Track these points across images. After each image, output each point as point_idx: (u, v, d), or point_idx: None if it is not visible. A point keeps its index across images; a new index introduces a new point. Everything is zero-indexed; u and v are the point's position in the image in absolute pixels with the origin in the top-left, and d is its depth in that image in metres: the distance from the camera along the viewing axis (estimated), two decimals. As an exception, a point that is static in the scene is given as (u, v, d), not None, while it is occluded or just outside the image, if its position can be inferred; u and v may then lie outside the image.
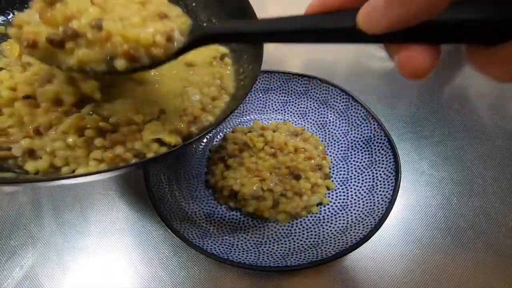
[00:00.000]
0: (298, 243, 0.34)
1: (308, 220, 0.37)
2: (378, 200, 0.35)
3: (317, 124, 0.46)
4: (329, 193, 0.39)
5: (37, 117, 0.26)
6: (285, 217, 0.37)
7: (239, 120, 0.46)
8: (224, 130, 0.45)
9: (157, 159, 0.25)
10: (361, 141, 0.41)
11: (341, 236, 0.33)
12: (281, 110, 0.47)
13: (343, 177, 0.40)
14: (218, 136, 0.45)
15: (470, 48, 0.14)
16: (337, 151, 0.43)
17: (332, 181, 0.40)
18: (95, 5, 0.22)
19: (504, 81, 0.13)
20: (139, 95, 0.29)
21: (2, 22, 0.33)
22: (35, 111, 0.26)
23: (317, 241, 0.34)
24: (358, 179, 0.39)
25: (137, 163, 0.25)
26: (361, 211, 0.35)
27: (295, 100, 0.47)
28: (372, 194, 0.36)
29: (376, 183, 0.37)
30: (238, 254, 0.32)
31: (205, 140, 0.43)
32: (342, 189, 0.39)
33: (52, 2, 0.22)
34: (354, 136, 0.42)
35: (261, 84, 0.46)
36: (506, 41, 0.12)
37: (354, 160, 0.41)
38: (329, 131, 0.45)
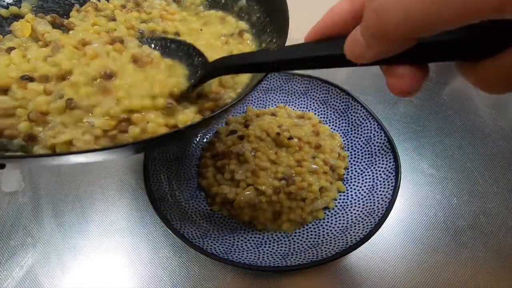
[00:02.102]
0: (298, 243, 0.34)
1: (308, 220, 0.37)
2: (378, 200, 0.35)
3: (317, 124, 0.45)
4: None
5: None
6: (290, 226, 0.35)
7: (239, 120, 0.46)
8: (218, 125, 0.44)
9: (173, 134, 0.23)
10: (361, 141, 0.41)
11: (341, 236, 0.33)
12: (281, 110, 0.47)
13: (343, 177, 0.40)
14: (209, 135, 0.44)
15: (457, 64, 0.15)
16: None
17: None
18: None
19: (492, 93, 0.14)
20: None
21: (13, 2, 0.32)
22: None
23: (317, 241, 0.34)
24: (358, 179, 0.39)
25: (144, 140, 0.22)
26: (361, 211, 0.35)
27: (295, 100, 0.47)
28: (372, 194, 0.36)
29: (376, 183, 0.37)
30: (238, 254, 0.32)
31: (205, 140, 0.43)
32: (342, 189, 0.39)
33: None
34: (354, 136, 0.42)
35: (261, 84, 0.46)
36: (488, 57, 0.13)
37: (354, 160, 0.41)
38: (329, 131, 0.44)
